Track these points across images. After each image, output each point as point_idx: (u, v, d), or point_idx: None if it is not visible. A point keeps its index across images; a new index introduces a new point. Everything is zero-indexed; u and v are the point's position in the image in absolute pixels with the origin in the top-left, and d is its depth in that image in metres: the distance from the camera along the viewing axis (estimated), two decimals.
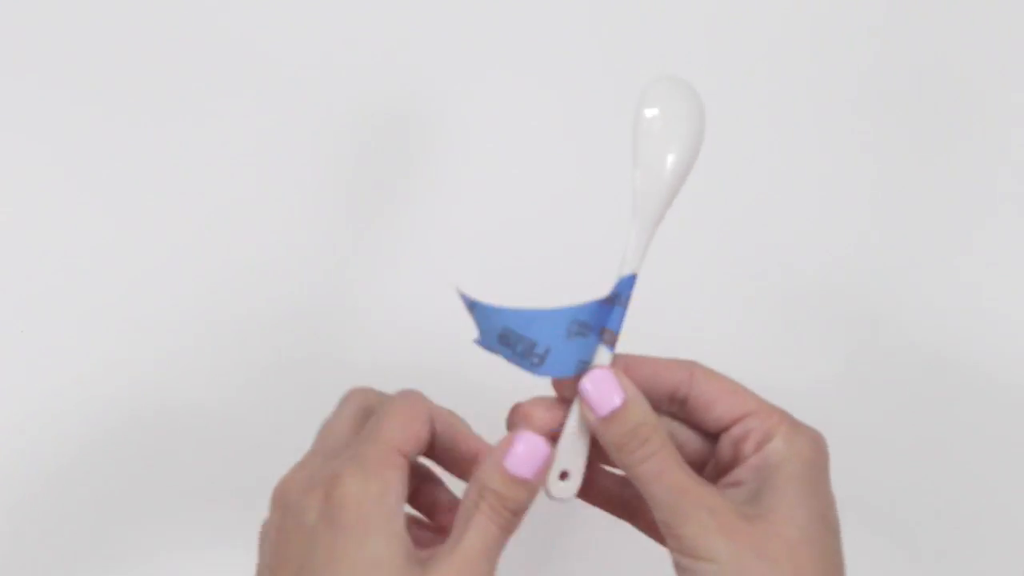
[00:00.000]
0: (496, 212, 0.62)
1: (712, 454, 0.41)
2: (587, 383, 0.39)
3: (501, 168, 0.63)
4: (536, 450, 0.38)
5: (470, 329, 0.39)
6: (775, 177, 0.64)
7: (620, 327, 0.40)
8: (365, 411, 0.41)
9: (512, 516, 0.38)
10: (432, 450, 0.41)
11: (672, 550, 0.37)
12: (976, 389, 0.61)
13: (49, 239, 0.61)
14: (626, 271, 0.40)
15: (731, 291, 0.62)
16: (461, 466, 0.41)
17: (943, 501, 0.59)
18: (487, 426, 0.41)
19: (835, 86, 0.66)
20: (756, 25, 0.66)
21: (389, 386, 0.42)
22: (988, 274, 0.63)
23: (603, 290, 0.40)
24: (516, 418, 0.40)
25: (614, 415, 0.38)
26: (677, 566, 0.37)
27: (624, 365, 0.40)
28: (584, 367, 0.40)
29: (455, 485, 0.42)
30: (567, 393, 0.40)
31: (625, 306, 0.40)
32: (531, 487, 0.38)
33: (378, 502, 0.36)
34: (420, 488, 0.43)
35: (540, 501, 0.39)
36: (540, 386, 0.41)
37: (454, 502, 0.42)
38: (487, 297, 0.38)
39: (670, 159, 0.40)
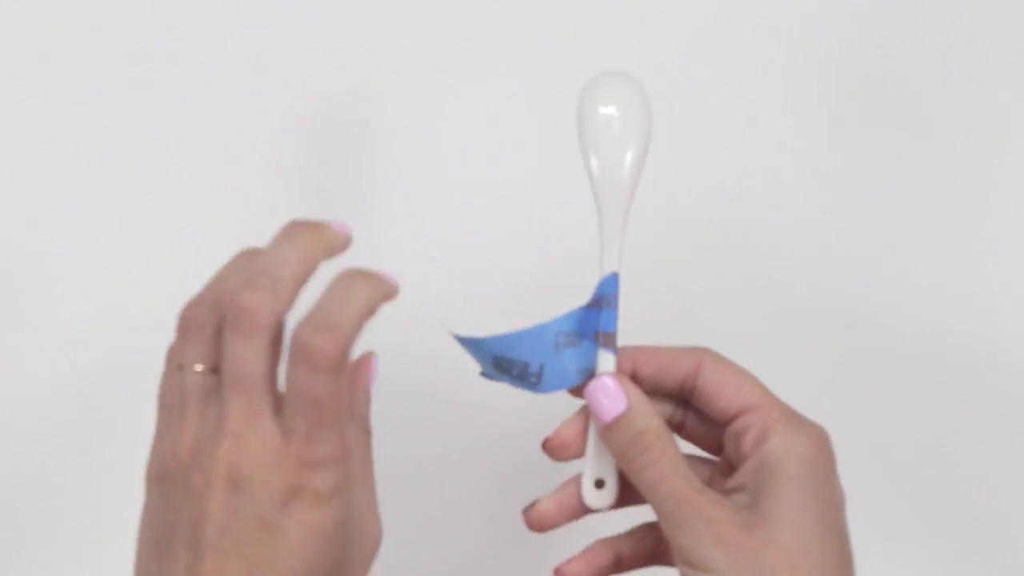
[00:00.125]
0: (470, 214, 0.62)
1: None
2: (591, 391, 0.39)
3: (473, 168, 0.63)
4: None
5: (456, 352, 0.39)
6: (775, 177, 0.63)
7: (615, 327, 0.40)
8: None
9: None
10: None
11: (676, 560, 0.37)
12: (978, 386, 0.61)
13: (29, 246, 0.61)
14: (606, 271, 0.40)
15: (731, 292, 0.62)
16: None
17: (943, 501, 0.59)
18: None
19: (833, 86, 0.65)
20: (749, 23, 0.65)
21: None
22: (988, 273, 0.62)
23: (586, 291, 0.40)
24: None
25: (617, 422, 0.39)
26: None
27: (632, 358, 0.40)
28: (587, 374, 0.40)
29: None
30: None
31: (614, 306, 0.40)
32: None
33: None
34: None
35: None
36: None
37: None
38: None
39: (629, 156, 0.40)
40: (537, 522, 0.41)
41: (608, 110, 0.40)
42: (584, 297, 0.41)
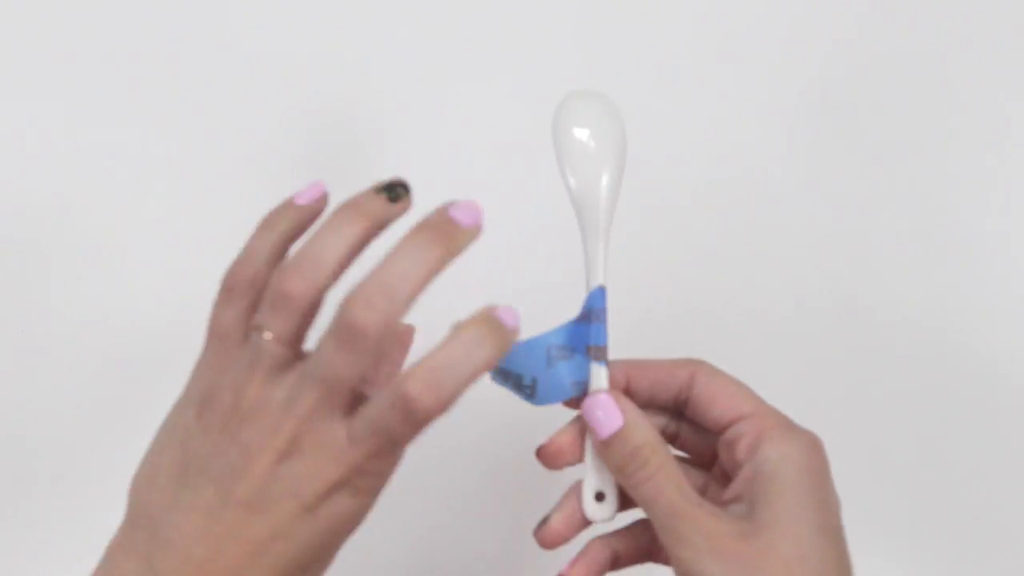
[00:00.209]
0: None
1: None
2: (587, 407, 0.39)
3: (473, 169, 0.63)
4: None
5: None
6: (774, 177, 0.63)
7: (605, 340, 0.40)
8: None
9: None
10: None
11: (675, 573, 0.38)
12: (975, 386, 0.61)
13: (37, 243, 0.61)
14: (593, 285, 0.41)
15: (730, 294, 0.62)
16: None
17: (943, 501, 0.59)
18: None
19: (827, 86, 0.65)
20: (742, 23, 0.65)
21: None
22: (984, 274, 0.62)
23: (576, 302, 0.41)
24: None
25: (613, 438, 0.39)
26: None
27: (625, 372, 0.41)
28: (582, 387, 0.40)
29: None
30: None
31: (603, 319, 0.40)
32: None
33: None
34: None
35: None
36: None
37: None
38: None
39: (605, 178, 0.41)
40: (550, 541, 0.41)
41: (581, 133, 0.41)
42: (579, 303, 0.41)
